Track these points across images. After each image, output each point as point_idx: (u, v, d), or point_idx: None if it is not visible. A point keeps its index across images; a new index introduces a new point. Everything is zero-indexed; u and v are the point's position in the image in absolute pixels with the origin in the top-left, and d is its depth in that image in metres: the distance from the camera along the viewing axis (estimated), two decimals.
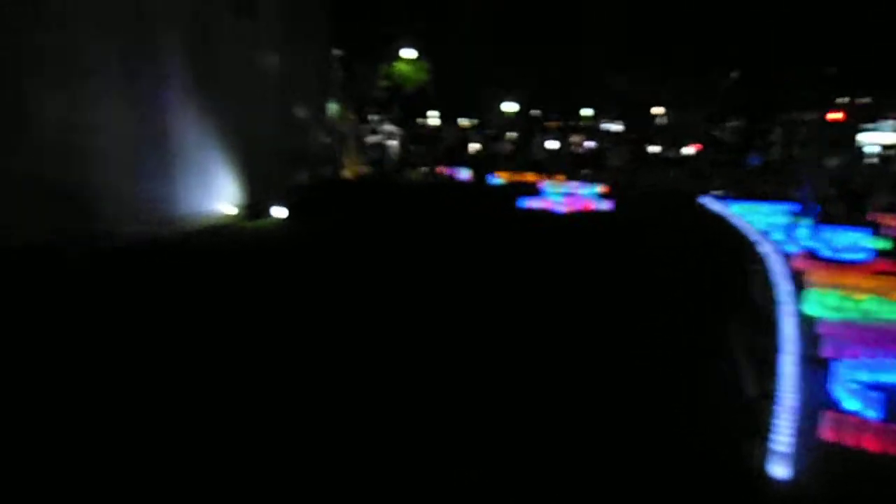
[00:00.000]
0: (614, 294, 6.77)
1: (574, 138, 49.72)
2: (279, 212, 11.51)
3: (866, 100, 27.06)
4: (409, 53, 27.24)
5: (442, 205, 14.81)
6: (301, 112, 14.96)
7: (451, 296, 6.48)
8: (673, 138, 44.50)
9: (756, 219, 11.80)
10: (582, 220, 12.42)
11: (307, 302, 6.19)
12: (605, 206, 13.75)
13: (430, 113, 53.69)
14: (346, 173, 19.16)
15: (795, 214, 12.29)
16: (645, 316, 5.95)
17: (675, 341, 5.18)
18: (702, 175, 20.11)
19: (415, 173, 21.49)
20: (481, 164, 20.23)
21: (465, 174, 20.14)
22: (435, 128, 51.83)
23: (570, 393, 4.18)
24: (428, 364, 4.59)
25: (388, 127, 23.11)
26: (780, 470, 3.23)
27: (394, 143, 21.39)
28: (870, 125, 19.17)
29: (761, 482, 3.18)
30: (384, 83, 40.72)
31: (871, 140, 19.29)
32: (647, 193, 16.90)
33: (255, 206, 11.41)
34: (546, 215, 12.87)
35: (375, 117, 40.45)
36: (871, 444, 3.51)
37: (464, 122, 57.29)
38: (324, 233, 10.50)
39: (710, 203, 14.02)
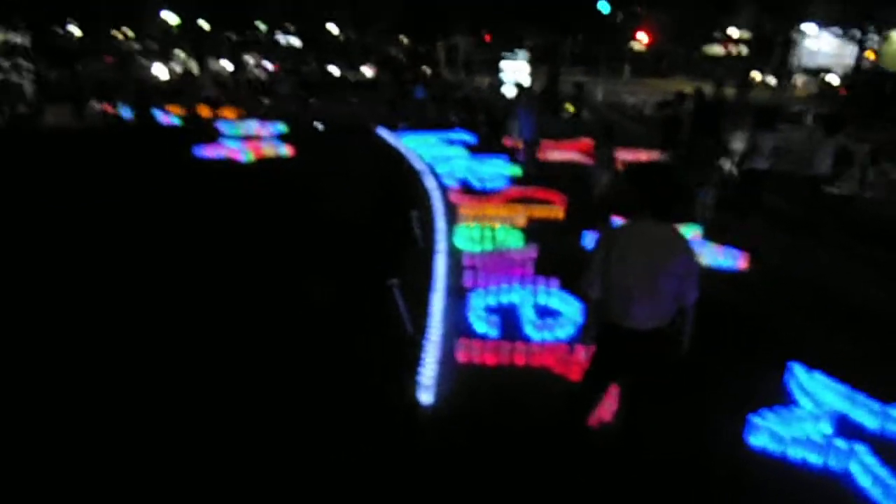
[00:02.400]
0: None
1: (250, 58, 46.42)
2: None
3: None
4: None
5: (90, 160, 11.88)
6: None
7: None
8: (351, 59, 45.49)
9: (424, 151, 13.19)
10: (268, 171, 11.63)
11: None
12: (288, 150, 12.95)
13: (70, 24, 44.68)
14: None
15: (451, 144, 14.21)
16: None
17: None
18: (380, 103, 21.12)
19: (56, 113, 16.60)
20: (145, 98, 17.31)
21: (126, 112, 16.61)
22: (78, 44, 43.27)
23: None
24: None
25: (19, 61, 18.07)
26: (425, 397, 4.13)
27: (24, 81, 16.69)
28: (508, 53, 22.26)
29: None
30: None
31: (507, 68, 22.25)
32: (329, 131, 16.78)
33: None
34: (230, 168, 11.58)
35: None
36: (489, 359, 4.66)
37: (117, 34, 49.10)
38: None
39: (387, 136, 15.10)
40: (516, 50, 22.10)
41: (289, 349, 4.85)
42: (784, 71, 37.67)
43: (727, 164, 9.26)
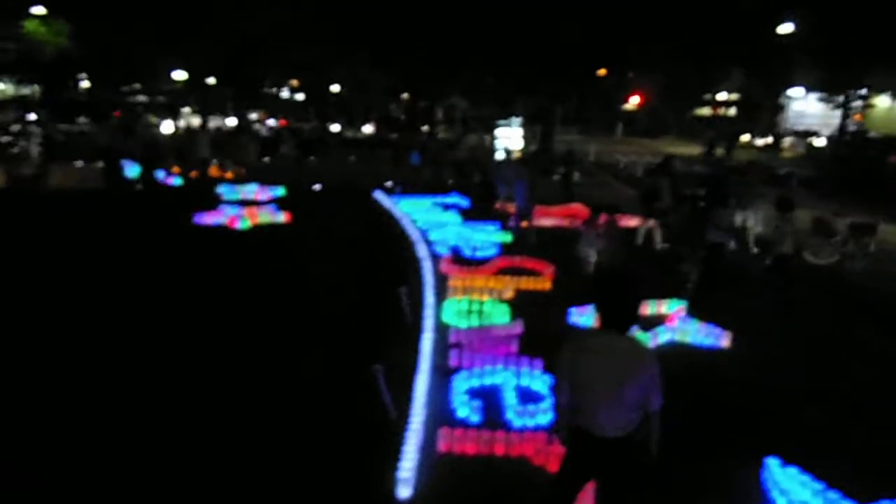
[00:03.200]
0: None
1: (255, 115, 47.46)
2: None
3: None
4: (39, 10, 22.95)
5: (87, 225, 11.73)
6: None
7: None
8: (351, 116, 46.63)
9: (418, 216, 13.44)
10: (263, 239, 11.63)
11: None
12: (284, 216, 12.92)
13: (81, 82, 45.75)
14: None
15: (445, 208, 14.50)
16: None
17: None
18: (379, 163, 21.52)
19: (64, 175, 16.80)
20: (153, 157, 17.51)
21: (131, 170, 16.37)
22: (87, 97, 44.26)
23: None
24: None
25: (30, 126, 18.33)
26: (403, 491, 4.16)
27: (31, 144, 16.98)
28: (502, 121, 23.01)
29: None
30: (11, 46, 33.30)
31: (501, 134, 22.95)
32: (327, 193, 17.09)
33: None
34: (226, 236, 11.59)
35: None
36: (470, 448, 4.70)
37: (140, 98, 50.08)
38: None
39: (383, 199, 15.41)
40: (511, 117, 22.82)
41: (265, 433, 4.87)
42: (774, 132, 38.77)
43: (730, 241, 9.41)
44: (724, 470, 4.54)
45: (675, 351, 6.87)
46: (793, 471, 4.33)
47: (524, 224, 12.49)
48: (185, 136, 22.65)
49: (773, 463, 4.41)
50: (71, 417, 4.99)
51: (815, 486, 4.21)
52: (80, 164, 18.60)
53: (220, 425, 4.97)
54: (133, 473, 4.29)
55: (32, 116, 41.07)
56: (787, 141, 38.29)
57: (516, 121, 23.03)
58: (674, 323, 7.33)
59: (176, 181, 17.14)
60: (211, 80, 46.76)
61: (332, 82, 48.78)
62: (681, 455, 4.64)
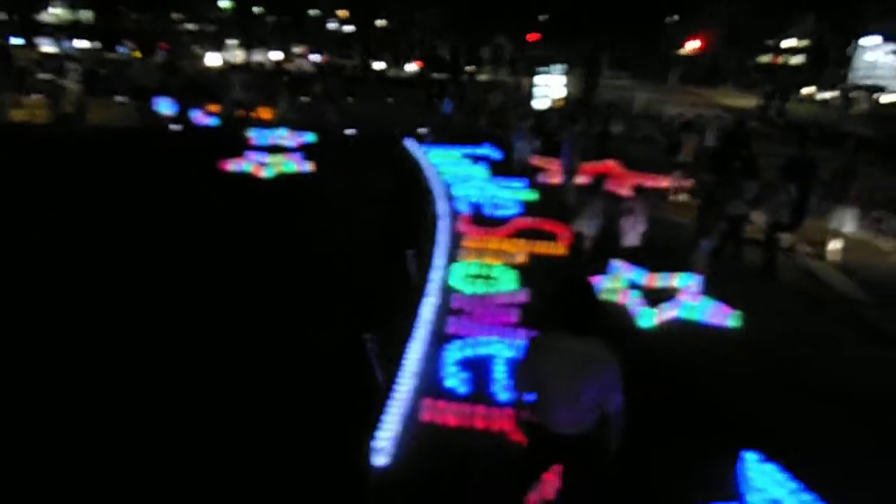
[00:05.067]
0: None
1: (298, 49, 46.82)
2: None
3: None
4: None
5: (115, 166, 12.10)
6: None
7: None
8: (396, 53, 45.69)
9: (446, 168, 13.32)
10: (285, 190, 11.46)
11: None
12: (310, 165, 12.84)
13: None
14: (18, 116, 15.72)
15: (475, 160, 14.30)
16: None
17: None
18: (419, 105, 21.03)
19: (105, 112, 16.87)
20: (191, 96, 17.59)
21: (166, 107, 16.26)
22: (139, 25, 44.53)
23: None
24: None
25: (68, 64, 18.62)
26: (380, 460, 4.33)
27: (71, 82, 17.30)
28: (543, 68, 22.09)
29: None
30: None
31: (541, 82, 22.01)
32: (358, 139, 16.84)
33: None
34: (249, 184, 11.48)
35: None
36: (452, 420, 4.83)
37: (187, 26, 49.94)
38: None
39: (413, 148, 15.26)
40: (552, 65, 21.89)
41: (247, 393, 5.04)
42: (841, 87, 36.24)
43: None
44: (702, 459, 4.54)
45: (678, 329, 6.79)
46: (770, 467, 4.31)
47: (557, 182, 12.29)
48: (221, 74, 22.56)
49: (750, 458, 4.39)
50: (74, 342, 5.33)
51: (789, 483, 4.19)
52: (121, 99, 18.86)
53: (202, 382, 5.17)
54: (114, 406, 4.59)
55: (85, 44, 41.84)
56: (853, 95, 35.77)
57: (557, 68, 22.08)
58: (684, 298, 7.19)
59: (212, 121, 17.31)
60: (256, 10, 46.09)
61: (379, 16, 47.71)
62: (660, 440, 4.72)
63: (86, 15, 47.46)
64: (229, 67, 26.51)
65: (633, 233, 8.76)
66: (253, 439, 4.52)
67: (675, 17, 42.31)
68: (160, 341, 5.75)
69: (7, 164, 11.75)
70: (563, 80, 22.06)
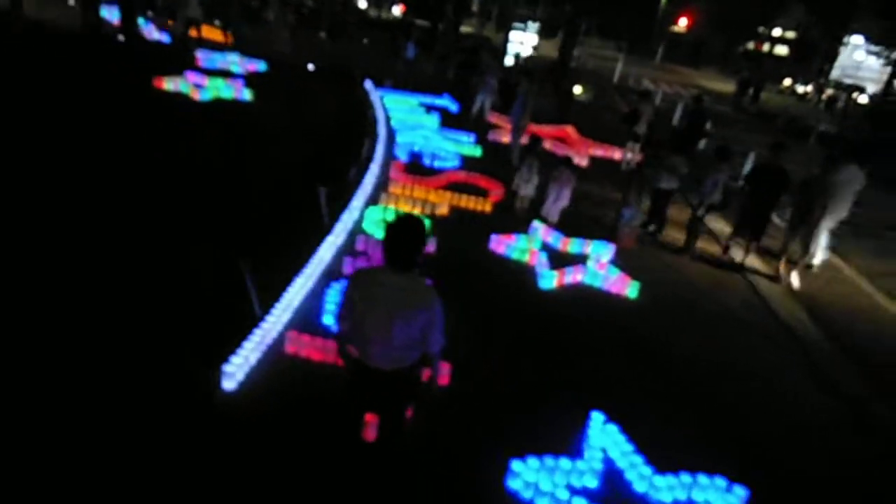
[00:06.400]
0: None
1: None
2: None
3: None
4: None
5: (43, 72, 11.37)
6: None
7: None
8: None
9: (397, 114, 13.07)
10: (216, 113, 11.15)
11: None
12: (248, 94, 12.33)
13: None
14: None
15: (428, 110, 14.03)
16: None
17: None
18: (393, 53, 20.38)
19: (42, 8, 15.64)
20: (139, 4, 16.11)
21: (112, 14, 15.24)
22: None
23: None
24: None
25: None
26: (228, 384, 4.30)
27: None
28: (518, 24, 21.55)
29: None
30: None
31: (514, 38, 21.46)
32: (315, 75, 16.34)
33: None
34: (182, 105, 11.02)
35: None
36: (314, 355, 4.82)
37: None
38: None
39: (371, 90, 14.90)
40: (528, 21, 21.38)
41: (127, 311, 4.95)
42: (817, 82, 36.37)
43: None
44: (553, 416, 4.62)
45: (575, 293, 6.84)
46: (612, 428, 4.41)
47: (507, 141, 12.13)
48: None
49: (596, 417, 4.49)
50: None
51: (625, 445, 4.30)
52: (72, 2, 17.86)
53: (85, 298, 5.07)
54: None
55: None
56: (828, 93, 35.96)
57: (532, 26, 21.62)
58: (592, 265, 7.24)
59: (164, 37, 16.54)
60: None
61: None
62: (517, 395, 4.79)
63: None
64: None
65: (553, 207, 8.62)
66: (108, 355, 4.44)
67: None
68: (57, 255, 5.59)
69: None
70: (535, 38, 21.64)
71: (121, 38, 14.76)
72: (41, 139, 8.30)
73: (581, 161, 12.50)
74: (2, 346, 4.31)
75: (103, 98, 10.61)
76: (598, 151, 13.46)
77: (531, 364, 5.30)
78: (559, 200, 8.54)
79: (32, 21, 14.82)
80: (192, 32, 16.21)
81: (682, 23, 42.61)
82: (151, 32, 16.26)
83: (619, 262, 7.54)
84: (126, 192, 7.17)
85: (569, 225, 8.39)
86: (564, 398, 4.85)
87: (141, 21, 16.05)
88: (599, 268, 7.20)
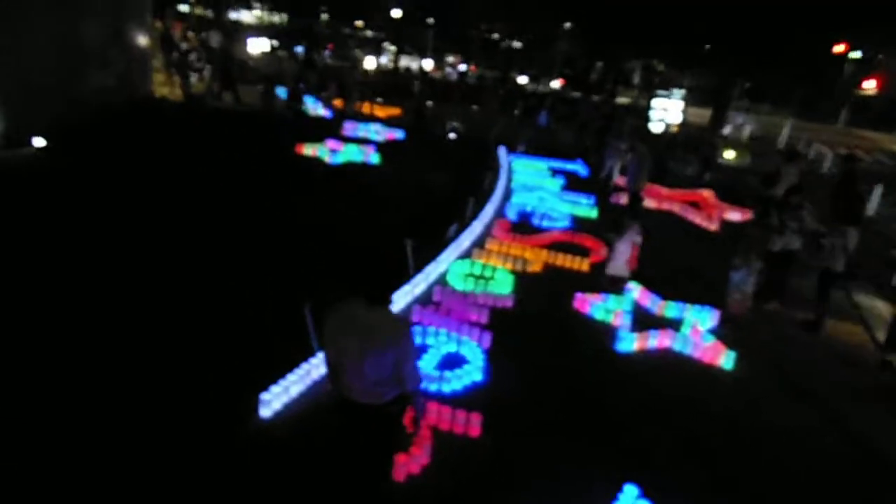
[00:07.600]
0: None
1: (450, 57, 48.75)
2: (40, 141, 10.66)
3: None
4: None
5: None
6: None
7: None
8: (535, 70, 45.75)
9: (521, 176, 13.30)
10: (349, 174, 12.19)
11: None
12: (375, 158, 13.33)
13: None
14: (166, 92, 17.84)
15: (554, 174, 14.02)
16: None
17: None
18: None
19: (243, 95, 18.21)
20: (305, 87, 18.67)
21: (282, 92, 17.73)
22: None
23: None
24: None
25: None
26: (264, 412, 4.57)
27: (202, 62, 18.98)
28: (662, 91, 20.94)
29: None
30: None
31: (658, 105, 20.86)
32: (453, 142, 17.28)
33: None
34: (313, 167, 12.18)
35: None
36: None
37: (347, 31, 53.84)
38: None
39: (502, 155, 15.29)
40: (672, 90, 20.74)
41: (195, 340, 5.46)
42: None
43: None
44: (581, 484, 4.24)
45: (657, 359, 6.26)
46: None
47: (623, 201, 11.76)
48: (348, 72, 24.07)
49: (629, 490, 4.04)
50: None
51: None
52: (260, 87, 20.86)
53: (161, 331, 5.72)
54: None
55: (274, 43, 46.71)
56: None
57: (678, 93, 20.89)
58: (685, 331, 6.64)
59: (328, 112, 18.56)
60: (430, 20, 48.00)
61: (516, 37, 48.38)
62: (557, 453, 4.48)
63: (281, 18, 52.49)
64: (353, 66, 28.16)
65: (613, 264, 7.95)
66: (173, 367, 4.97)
67: (858, 54, 38.07)
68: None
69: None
70: (681, 105, 20.81)
71: (287, 112, 16.96)
72: (182, 193, 9.68)
73: (710, 225, 11.67)
74: (78, 349, 5.03)
75: (251, 160, 12.16)
76: (735, 215, 12.43)
77: (576, 425, 4.94)
78: (621, 255, 7.92)
79: (223, 107, 17.66)
80: (359, 106, 18.09)
81: (869, 85, 38.27)
82: (317, 109, 18.39)
83: (723, 331, 6.81)
84: (227, 237, 8.08)
85: (675, 288, 7.78)
86: (602, 466, 4.43)
87: (310, 100, 18.31)
88: (693, 334, 6.57)
